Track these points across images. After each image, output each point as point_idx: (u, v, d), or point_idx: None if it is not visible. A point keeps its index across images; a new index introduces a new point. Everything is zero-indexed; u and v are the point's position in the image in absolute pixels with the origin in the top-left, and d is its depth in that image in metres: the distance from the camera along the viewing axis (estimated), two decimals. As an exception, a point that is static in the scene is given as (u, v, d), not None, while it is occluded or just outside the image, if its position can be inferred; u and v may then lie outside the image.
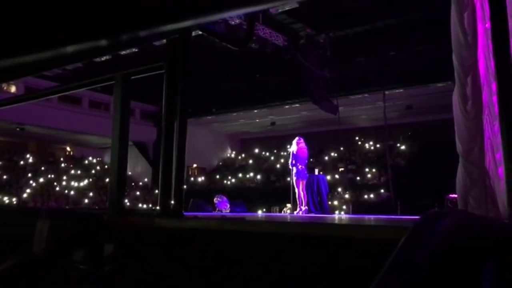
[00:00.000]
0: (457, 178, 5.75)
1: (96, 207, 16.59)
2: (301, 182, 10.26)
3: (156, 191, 18.11)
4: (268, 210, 14.81)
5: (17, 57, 0.55)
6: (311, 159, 16.58)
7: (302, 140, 10.60)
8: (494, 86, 5.41)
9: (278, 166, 20.62)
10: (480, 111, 5.66)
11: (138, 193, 19.74)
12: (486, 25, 5.56)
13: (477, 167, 5.50)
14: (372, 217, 8.77)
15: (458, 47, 5.97)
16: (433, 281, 0.94)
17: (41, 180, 17.99)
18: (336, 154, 19.52)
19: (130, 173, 21.27)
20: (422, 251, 0.83)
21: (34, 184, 17.56)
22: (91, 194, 18.22)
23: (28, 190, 17.01)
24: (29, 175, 18.26)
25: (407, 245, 0.85)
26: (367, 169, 17.52)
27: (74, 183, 18.80)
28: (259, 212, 13.90)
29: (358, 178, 17.31)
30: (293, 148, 10.46)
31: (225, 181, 20.80)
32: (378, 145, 19.26)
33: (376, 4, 13.60)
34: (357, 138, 20.47)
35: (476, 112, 5.66)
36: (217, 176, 21.59)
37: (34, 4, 0.56)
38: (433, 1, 9.75)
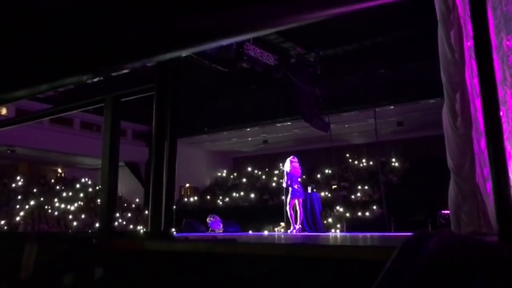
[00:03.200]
0: (449, 194, 5.77)
1: (89, 231, 16.39)
2: (296, 201, 10.24)
3: (146, 212, 17.97)
4: (262, 229, 14.73)
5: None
6: (304, 177, 16.59)
7: (295, 159, 10.62)
8: (478, 103, 5.49)
9: (271, 184, 20.58)
10: (470, 126, 5.72)
11: (129, 214, 19.57)
12: (469, 43, 5.67)
13: (468, 182, 5.53)
14: (365, 234, 8.75)
15: (446, 64, 6.06)
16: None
17: (32, 202, 17.79)
18: (329, 172, 19.54)
19: (121, 194, 21.12)
20: (409, 272, 0.83)
21: (26, 207, 17.34)
22: (83, 216, 18.02)
23: (19, 213, 16.79)
24: (20, 197, 18.05)
25: (393, 267, 0.85)
26: (360, 186, 17.54)
27: (65, 205, 18.60)
28: (252, 231, 13.81)
29: (351, 195, 17.31)
30: (286, 167, 10.47)
31: (218, 201, 20.69)
32: (370, 162, 19.31)
33: (364, 23, 13.80)
34: (349, 155, 20.53)
35: (466, 128, 5.72)
36: (210, 196, 21.48)
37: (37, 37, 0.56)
38: (420, 18, 9.92)
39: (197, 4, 0.69)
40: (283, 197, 11.07)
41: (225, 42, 0.78)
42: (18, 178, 19.60)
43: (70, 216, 17.88)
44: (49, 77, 0.56)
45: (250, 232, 13.50)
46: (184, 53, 0.72)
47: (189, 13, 0.67)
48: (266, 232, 13.56)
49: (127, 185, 21.35)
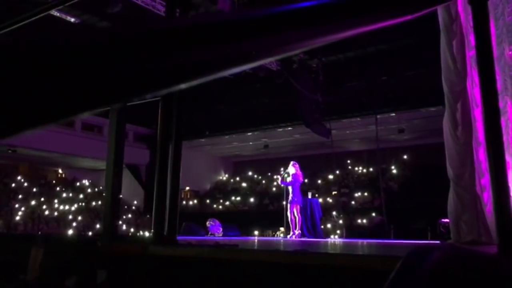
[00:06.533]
0: (449, 203, 5.80)
1: (89, 233, 16.38)
2: (295, 207, 10.26)
3: (148, 215, 17.94)
4: (261, 234, 14.74)
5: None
6: (304, 182, 16.60)
7: (297, 165, 10.67)
8: (477, 113, 5.53)
9: (271, 189, 20.58)
10: (470, 136, 5.76)
11: (130, 217, 19.57)
12: (471, 52, 5.71)
13: (468, 192, 5.56)
14: (365, 241, 8.77)
15: (448, 73, 6.11)
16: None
17: (32, 203, 17.80)
18: (329, 178, 19.55)
19: (122, 196, 21.07)
20: (412, 285, 0.86)
21: (24, 208, 17.35)
22: (80, 218, 18.02)
23: (19, 213, 16.80)
24: (20, 197, 18.07)
25: (396, 279, 0.88)
26: (360, 193, 17.54)
27: (66, 206, 18.61)
28: (253, 236, 13.82)
29: (351, 201, 17.30)
30: (292, 170, 10.50)
31: (217, 205, 20.70)
32: (371, 169, 19.31)
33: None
34: (350, 161, 20.54)
35: (466, 137, 5.76)
36: (210, 199, 21.49)
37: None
38: (423, 27, 9.97)
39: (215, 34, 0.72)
40: (284, 202, 11.09)
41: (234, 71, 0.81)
42: (19, 178, 19.62)
43: (70, 217, 17.88)
44: (65, 112, 0.59)
45: (253, 236, 13.51)
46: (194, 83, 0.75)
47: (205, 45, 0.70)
48: (266, 237, 13.57)
49: (128, 187, 21.35)
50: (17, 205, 17.34)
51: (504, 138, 6.06)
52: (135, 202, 21.42)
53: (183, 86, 0.72)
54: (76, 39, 0.64)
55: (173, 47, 0.67)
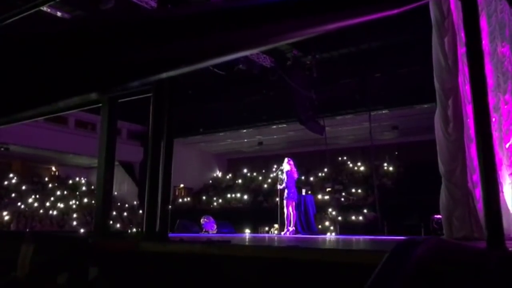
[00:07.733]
0: (441, 199, 5.83)
1: (81, 230, 16.33)
2: (290, 203, 10.30)
3: (140, 211, 17.90)
4: (256, 231, 14.76)
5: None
6: (299, 179, 16.63)
7: (292, 162, 10.69)
8: (469, 109, 5.56)
9: (265, 186, 20.60)
10: (462, 132, 5.79)
11: (124, 214, 19.52)
12: (462, 49, 5.74)
13: (459, 188, 5.60)
14: (358, 238, 8.81)
15: (439, 70, 6.13)
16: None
17: (26, 200, 17.71)
18: (323, 174, 19.59)
19: (115, 194, 21.03)
20: (396, 278, 0.86)
21: (18, 205, 17.25)
22: (75, 215, 17.95)
23: (12, 211, 16.71)
24: (13, 195, 17.96)
25: (381, 273, 0.88)
26: (354, 190, 17.59)
27: (59, 204, 18.53)
28: (247, 233, 13.84)
29: (345, 198, 17.35)
30: (286, 167, 10.52)
31: (212, 202, 20.69)
32: (364, 166, 19.37)
33: (361, 27, 13.85)
34: (344, 158, 20.59)
35: (458, 134, 5.79)
36: (204, 197, 21.48)
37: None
38: (416, 24, 10.00)
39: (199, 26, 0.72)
40: (278, 199, 11.11)
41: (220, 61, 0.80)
42: (11, 176, 19.50)
43: (64, 215, 17.81)
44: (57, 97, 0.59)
45: (247, 233, 13.52)
46: (184, 71, 0.74)
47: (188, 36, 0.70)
48: (260, 234, 13.60)
49: (121, 185, 21.30)
50: (10, 203, 17.24)
51: (497, 134, 6.11)
52: (129, 200, 21.36)
53: (165, 75, 0.71)
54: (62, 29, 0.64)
55: (159, 36, 0.67)
